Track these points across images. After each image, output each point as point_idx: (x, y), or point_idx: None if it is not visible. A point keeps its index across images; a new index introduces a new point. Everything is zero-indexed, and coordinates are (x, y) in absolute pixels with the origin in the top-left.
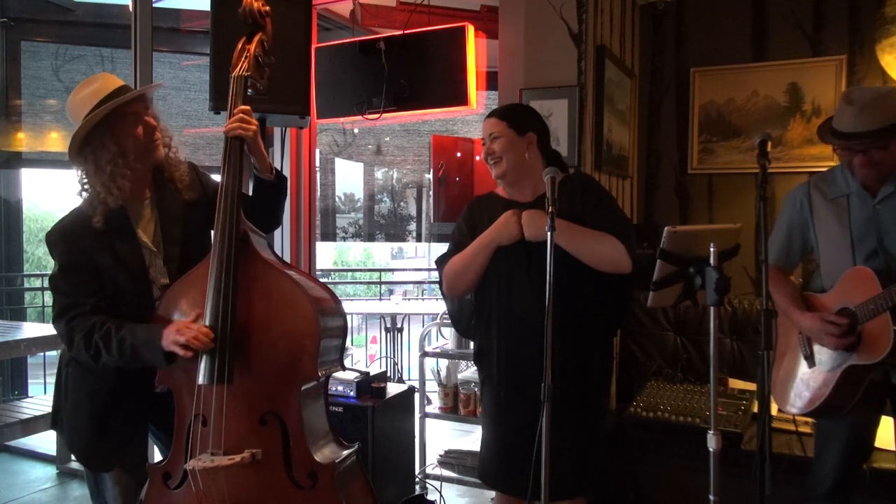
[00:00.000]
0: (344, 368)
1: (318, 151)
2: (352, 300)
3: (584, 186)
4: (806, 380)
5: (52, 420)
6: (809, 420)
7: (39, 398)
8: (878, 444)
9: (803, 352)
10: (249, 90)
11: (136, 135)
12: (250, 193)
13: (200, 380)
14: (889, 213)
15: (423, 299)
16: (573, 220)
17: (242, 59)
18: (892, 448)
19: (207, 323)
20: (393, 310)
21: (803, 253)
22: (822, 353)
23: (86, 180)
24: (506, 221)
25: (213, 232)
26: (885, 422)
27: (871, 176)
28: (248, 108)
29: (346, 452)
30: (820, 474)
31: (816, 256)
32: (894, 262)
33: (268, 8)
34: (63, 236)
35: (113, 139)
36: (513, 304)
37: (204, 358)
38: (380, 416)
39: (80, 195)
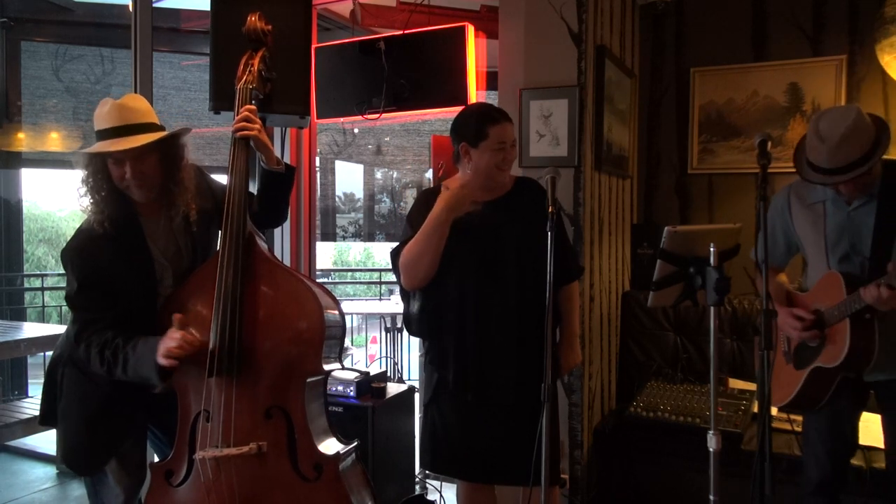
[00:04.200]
0: (343, 367)
1: (318, 151)
2: (352, 300)
3: (539, 194)
4: (783, 374)
5: (43, 415)
6: None
7: (39, 398)
8: (872, 442)
9: (783, 347)
10: (253, 101)
11: (114, 175)
12: (254, 192)
13: (208, 374)
14: (862, 218)
15: None
16: (524, 222)
17: (247, 72)
18: (882, 446)
19: (215, 320)
20: (393, 310)
21: (790, 253)
22: (798, 353)
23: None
24: (455, 195)
25: (219, 232)
26: (876, 420)
27: (856, 194)
28: (253, 107)
29: (346, 448)
30: (809, 470)
31: (805, 256)
32: (867, 264)
33: (269, 27)
34: (79, 253)
35: (92, 170)
36: (477, 303)
37: (212, 354)
38: (380, 416)
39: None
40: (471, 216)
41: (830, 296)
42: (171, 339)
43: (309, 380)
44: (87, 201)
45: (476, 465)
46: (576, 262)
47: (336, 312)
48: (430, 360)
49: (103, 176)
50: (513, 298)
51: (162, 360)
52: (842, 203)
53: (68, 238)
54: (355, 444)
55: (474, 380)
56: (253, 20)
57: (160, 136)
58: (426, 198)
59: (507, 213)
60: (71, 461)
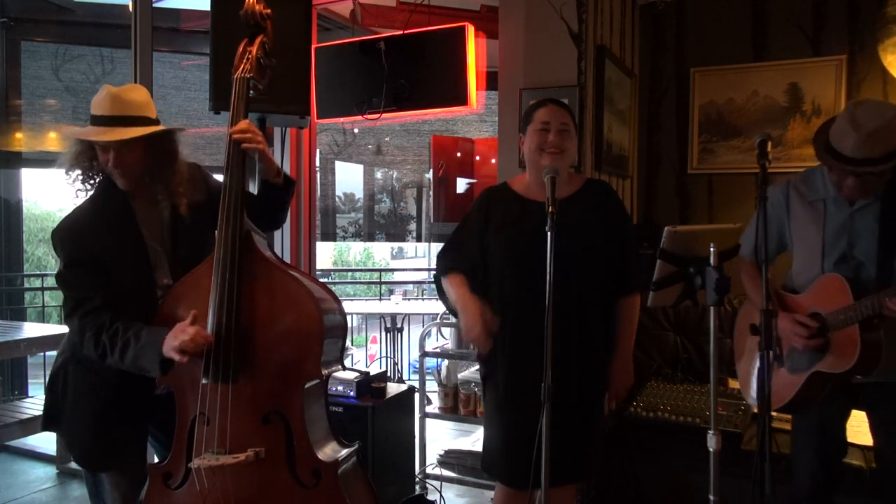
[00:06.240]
0: (344, 368)
1: (318, 151)
2: (352, 300)
3: (609, 199)
4: (775, 378)
5: (46, 419)
6: None
7: (39, 398)
8: (872, 441)
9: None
10: (251, 91)
11: (99, 159)
12: (254, 192)
13: (204, 379)
14: (863, 221)
15: (423, 299)
16: (589, 227)
17: (244, 60)
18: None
19: (210, 322)
20: (393, 310)
21: (779, 250)
22: (791, 355)
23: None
24: (471, 325)
25: (216, 232)
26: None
27: (856, 196)
28: (248, 122)
29: (347, 451)
30: (800, 474)
31: (791, 255)
32: (862, 269)
33: (269, 10)
34: (69, 232)
35: (78, 151)
36: (517, 301)
37: (208, 357)
38: (380, 416)
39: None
40: (526, 217)
41: (834, 299)
42: (186, 333)
43: (307, 385)
44: (78, 184)
45: (518, 470)
46: (637, 275)
47: (336, 313)
48: (476, 357)
49: (89, 158)
50: (554, 300)
51: (172, 354)
52: (843, 203)
53: None
54: (356, 447)
55: (502, 377)
56: (251, 2)
57: (146, 131)
58: (487, 196)
59: (566, 215)
60: (84, 458)
